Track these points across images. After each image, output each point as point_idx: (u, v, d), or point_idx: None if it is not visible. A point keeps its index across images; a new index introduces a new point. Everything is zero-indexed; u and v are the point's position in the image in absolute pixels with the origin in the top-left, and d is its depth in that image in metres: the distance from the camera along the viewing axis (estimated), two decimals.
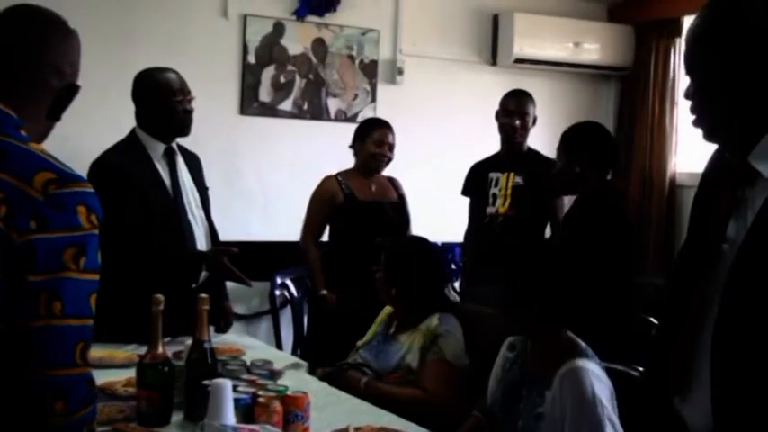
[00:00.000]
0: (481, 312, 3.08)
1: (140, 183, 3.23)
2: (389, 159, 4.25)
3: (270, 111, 5.13)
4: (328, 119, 5.30)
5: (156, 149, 3.33)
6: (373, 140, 4.20)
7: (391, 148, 4.24)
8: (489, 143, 4.64)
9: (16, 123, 1.54)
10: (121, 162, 3.22)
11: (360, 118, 5.25)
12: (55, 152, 1.57)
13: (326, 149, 4.96)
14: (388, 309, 3.10)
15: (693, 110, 1.66)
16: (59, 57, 1.61)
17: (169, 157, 3.36)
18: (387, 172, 4.36)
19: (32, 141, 1.55)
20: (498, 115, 4.41)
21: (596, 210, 3.36)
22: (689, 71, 1.65)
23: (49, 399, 1.41)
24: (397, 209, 4.30)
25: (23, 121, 1.56)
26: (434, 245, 3.27)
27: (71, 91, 1.65)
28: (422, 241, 3.21)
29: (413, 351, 2.87)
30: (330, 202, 4.22)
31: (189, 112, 3.35)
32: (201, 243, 3.39)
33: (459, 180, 4.70)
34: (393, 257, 3.06)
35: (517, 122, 4.33)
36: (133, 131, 3.36)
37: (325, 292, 4.14)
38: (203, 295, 2.40)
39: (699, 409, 1.61)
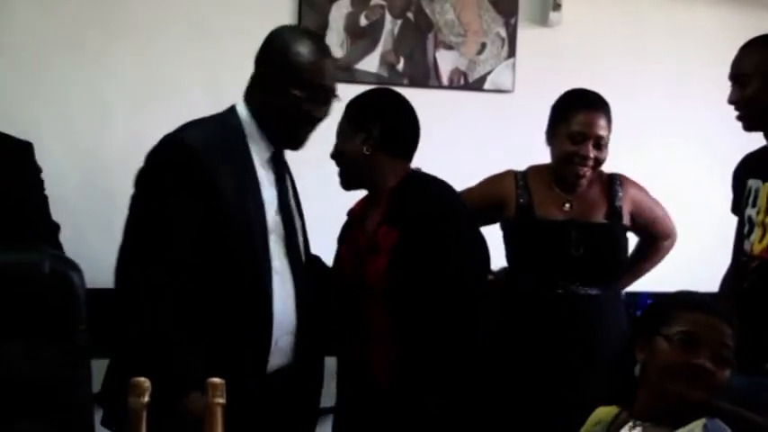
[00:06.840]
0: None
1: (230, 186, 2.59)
2: (596, 164, 3.07)
3: (344, 72, 3.62)
4: (438, 86, 3.97)
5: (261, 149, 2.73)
6: (569, 131, 3.04)
7: (600, 144, 3.06)
8: (717, 119, 3.12)
9: None
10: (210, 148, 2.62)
11: (488, 84, 4.02)
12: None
13: (436, 134, 3.33)
14: (601, 414, 2.44)
15: None
16: None
17: (275, 164, 2.79)
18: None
19: None
20: None
21: None
22: None
23: None
24: (595, 234, 3.06)
25: None
26: None
27: None
28: None
29: None
30: (495, 207, 3.18)
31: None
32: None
33: (654, 180, 3.32)
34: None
35: (740, 92, 2.82)
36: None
37: None
38: None
39: None
